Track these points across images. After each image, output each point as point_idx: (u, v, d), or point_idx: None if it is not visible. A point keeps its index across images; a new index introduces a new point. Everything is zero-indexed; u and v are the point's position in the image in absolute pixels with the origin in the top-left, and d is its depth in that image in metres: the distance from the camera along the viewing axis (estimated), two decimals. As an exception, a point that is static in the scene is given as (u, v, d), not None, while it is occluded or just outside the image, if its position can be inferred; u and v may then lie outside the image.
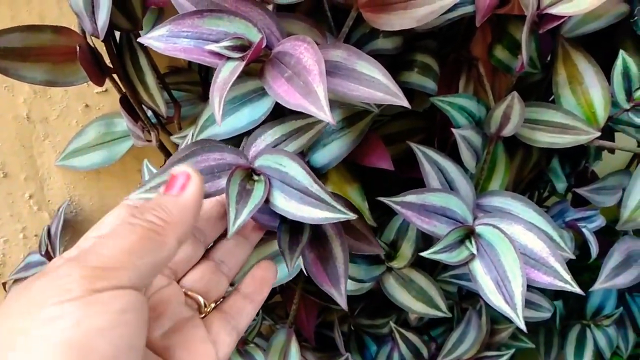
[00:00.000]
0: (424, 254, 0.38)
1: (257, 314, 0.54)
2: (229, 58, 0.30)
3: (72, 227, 0.54)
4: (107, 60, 0.42)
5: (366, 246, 0.41)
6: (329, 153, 0.42)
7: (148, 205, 0.25)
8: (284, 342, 0.51)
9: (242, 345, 0.51)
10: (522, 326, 0.36)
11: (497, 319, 0.56)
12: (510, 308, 0.37)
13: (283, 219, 0.34)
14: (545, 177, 0.50)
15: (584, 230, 0.46)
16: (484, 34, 0.43)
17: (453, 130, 0.39)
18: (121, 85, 0.43)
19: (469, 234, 0.39)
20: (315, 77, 0.28)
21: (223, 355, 0.29)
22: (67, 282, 0.21)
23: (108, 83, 0.42)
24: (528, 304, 0.52)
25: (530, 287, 0.45)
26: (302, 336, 0.58)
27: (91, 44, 0.41)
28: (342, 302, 0.36)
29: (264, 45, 0.31)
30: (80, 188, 0.52)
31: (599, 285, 0.47)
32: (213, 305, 0.31)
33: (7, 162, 0.49)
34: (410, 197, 0.39)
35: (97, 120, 0.50)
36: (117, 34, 0.42)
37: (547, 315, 0.53)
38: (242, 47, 0.30)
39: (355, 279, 0.47)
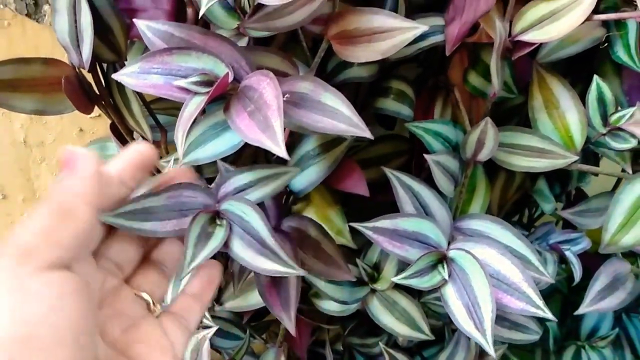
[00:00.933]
0: (394, 279, 0.38)
1: (245, 332, 0.55)
2: (195, 93, 0.32)
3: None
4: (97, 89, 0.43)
5: (335, 271, 0.42)
6: (307, 178, 0.43)
7: (51, 188, 0.26)
8: (274, 361, 0.52)
9: (230, 365, 0.51)
10: (492, 353, 0.36)
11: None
12: (480, 334, 0.37)
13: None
14: (532, 198, 0.50)
15: (567, 252, 0.46)
16: (462, 59, 0.43)
17: (426, 156, 0.39)
18: (109, 113, 0.44)
19: (442, 258, 0.39)
20: (274, 112, 0.29)
21: (179, 352, 0.30)
22: None
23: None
24: (515, 325, 0.52)
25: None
26: (295, 355, 0.59)
27: (79, 74, 0.42)
28: (291, 327, 0.37)
29: (230, 79, 0.32)
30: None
31: (583, 309, 0.46)
32: (162, 305, 0.31)
33: (6, 184, 0.51)
34: (383, 223, 0.39)
35: (91, 144, 0.52)
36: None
37: (534, 337, 0.52)
38: (209, 82, 0.32)
39: (338, 300, 0.48)
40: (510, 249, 0.42)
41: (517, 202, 0.57)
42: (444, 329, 0.57)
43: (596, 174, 0.49)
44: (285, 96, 0.33)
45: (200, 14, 0.31)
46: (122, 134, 0.46)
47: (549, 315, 0.37)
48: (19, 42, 0.47)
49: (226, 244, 0.33)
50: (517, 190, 0.49)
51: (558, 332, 0.61)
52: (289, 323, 0.39)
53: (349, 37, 0.34)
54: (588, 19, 0.39)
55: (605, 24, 0.42)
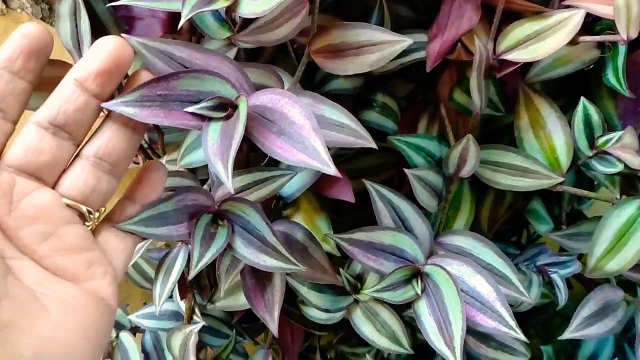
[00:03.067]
0: (367, 292, 0.38)
1: (232, 330, 0.56)
2: (211, 119, 0.29)
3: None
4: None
5: (322, 275, 0.43)
6: (295, 184, 0.44)
7: None
8: (262, 363, 0.53)
9: (215, 363, 0.53)
10: (460, 370, 0.36)
11: (474, 357, 0.55)
12: (450, 351, 0.37)
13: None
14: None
15: (553, 276, 0.45)
16: (452, 76, 0.43)
17: (406, 171, 0.40)
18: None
19: (417, 273, 0.39)
20: (310, 132, 0.28)
21: (119, 264, 0.27)
22: None
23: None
24: (502, 346, 0.51)
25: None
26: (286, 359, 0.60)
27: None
28: (274, 329, 0.37)
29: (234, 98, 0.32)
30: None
31: (568, 335, 0.45)
32: (98, 214, 0.28)
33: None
34: (360, 235, 0.39)
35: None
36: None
37: (523, 359, 0.51)
38: (222, 105, 0.30)
39: (320, 308, 0.48)
40: (491, 267, 0.42)
41: (515, 221, 0.57)
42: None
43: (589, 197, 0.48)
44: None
45: (181, 24, 0.32)
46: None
47: (520, 336, 0.37)
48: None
49: (229, 244, 0.34)
50: (508, 209, 0.48)
51: (554, 356, 0.59)
52: (272, 324, 0.39)
53: (336, 51, 0.35)
54: (574, 40, 0.39)
55: (600, 46, 0.41)
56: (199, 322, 0.51)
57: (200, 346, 0.57)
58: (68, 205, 0.26)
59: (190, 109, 0.29)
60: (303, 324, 0.57)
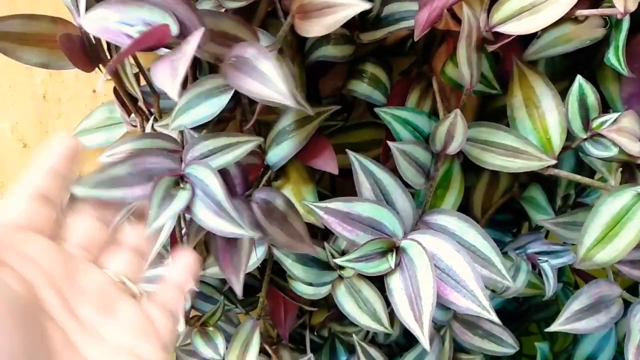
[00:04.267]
0: (337, 260, 0.38)
1: (220, 295, 0.56)
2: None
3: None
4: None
5: (299, 244, 0.42)
6: (281, 152, 0.44)
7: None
8: (249, 332, 0.53)
9: (202, 327, 0.53)
10: (427, 346, 0.35)
11: (465, 349, 0.54)
12: (418, 326, 0.36)
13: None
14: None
15: (543, 265, 0.43)
16: (448, 49, 0.42)
17: (390, 144, 0.39)
18: (110, 75, 0.47)
19: (393, 247, 0.39)
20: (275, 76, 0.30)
21: (166, 339, 0.30)
22: None
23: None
24: (488, 335, 0.50)
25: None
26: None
27: (85, 34, 0.46)
28: (238, 289, 0.37)
29: (175, 34, 0.33)
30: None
31: (556, 327, 0.43)
32: (140, 289, 0.31)
33: (26, 135, 0.56)
34: (337, 204, 0.39)
35: (103, 105, 0.56)
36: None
37: (510, 351, 0.50)
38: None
39: (304, 281, 0.48)
40: (474, 249, 0.40)
41: (516, 211, 0.54)
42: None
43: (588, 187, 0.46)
44: (232, 60, 0.34)
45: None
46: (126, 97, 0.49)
47: (494, 317, 0.36)
48: (19, 2, 0.50)
49: (188, 206, 0.34)
50: (503, 194, 0.47)
51: (550, 355, 0.57)
52: (237, 285, 0.39)
53: (305, 12, 0.34)
54: (577, 18, 0.37)
55: (607, 25, 0.39)
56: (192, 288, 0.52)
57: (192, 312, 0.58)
58: (121, 282, 0.30)
59: (125, 30, 0.31)
60: (295, 299, 0.57)
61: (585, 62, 0.43)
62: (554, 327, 0.43)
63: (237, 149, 0.38)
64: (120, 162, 0.32)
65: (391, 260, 0.38)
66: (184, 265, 0.33)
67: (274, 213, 0.43)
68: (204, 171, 0.34)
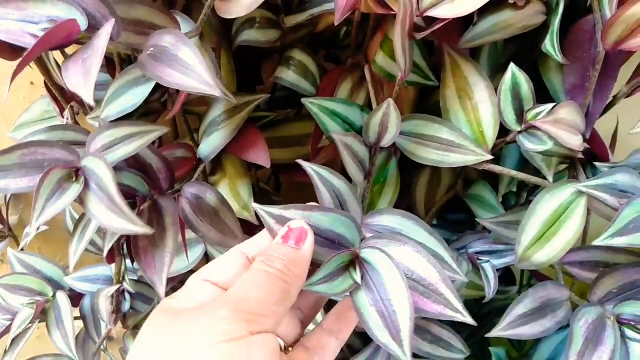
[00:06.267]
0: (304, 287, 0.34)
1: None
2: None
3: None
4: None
5: (231, 241, 0.41)
6: (212, 143, 0.42)
7: (274, 254, 0.29)
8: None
9: (135, 329, 0.51)
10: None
11: (413, 354, 0.51)
12: (397, 345, 0.32)
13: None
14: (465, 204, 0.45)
15: (484, 265, 0.41)
16: (382, 37, 0.40)
17: (334, 135, 0.35)
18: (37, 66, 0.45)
19: (354, 259, 0.34)
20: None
21: None
22: (228, 324, 0.26)
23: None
24: (437, 341, 0.48)
25: (441, 323, 0.41)
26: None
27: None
28: (161, 292, 0.35)
29: (84, 28, 0.31)
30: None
31: (496, 333, 0.41)
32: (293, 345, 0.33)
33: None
34: (292, 213, 0.33)
35: (42, 98, 0.54)
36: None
37: (459, 357, 0.47)
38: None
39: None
40: (424, 247, 0.37)
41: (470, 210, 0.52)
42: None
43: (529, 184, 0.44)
44: (150, 50, 0.33)
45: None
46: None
47: (468, 319, 0.32)
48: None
49: (82, 200, 0.32)
50: (447, 191, 0.45)
51: (507, 358, 0.55)
52: (160, 287, 0.37)
53: (227, -6, 0.32)
54: (517, 4, 0.35)
55: (548, 12, 0.37)
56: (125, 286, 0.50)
57: (133, 314, 0.56)
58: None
59: (29, 29, 0.29)
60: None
61: (529, 51, 0.41)
62: (495, 333, 0.41)
63: (140, 139, 0.36)
64: (6, 152, 0.30)
65: (355, 274, 0.33)
66: (343, 315, 0.34)
67: (204, 208, 0.41)
68: (98, 164, 0.31)
